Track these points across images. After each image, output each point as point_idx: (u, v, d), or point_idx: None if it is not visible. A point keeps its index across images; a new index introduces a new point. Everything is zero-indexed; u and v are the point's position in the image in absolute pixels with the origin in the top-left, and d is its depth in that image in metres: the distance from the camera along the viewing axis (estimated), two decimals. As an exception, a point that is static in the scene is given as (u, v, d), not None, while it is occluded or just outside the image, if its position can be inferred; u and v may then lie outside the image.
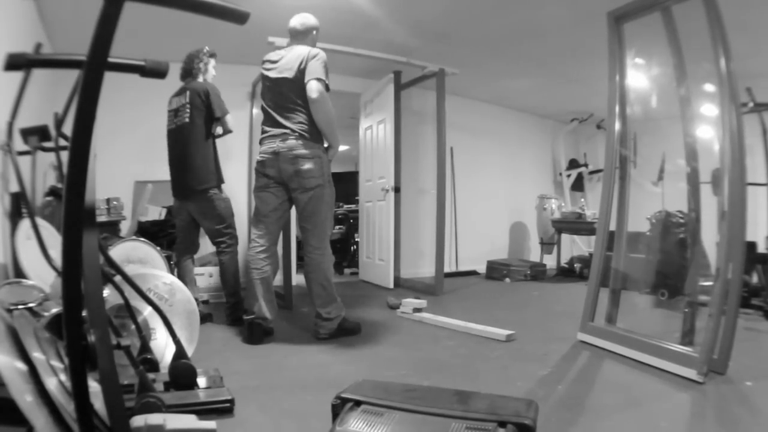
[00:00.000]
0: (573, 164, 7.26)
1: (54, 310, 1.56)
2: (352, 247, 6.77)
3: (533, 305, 4.22)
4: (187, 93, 3.18)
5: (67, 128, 1.30)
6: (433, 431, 1.13)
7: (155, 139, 4.61)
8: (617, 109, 2.83)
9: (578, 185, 7.24)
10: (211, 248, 4.29)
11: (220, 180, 3.28)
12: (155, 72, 1.04)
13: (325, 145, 2.91)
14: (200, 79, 3.27)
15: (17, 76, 2.08)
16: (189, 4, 0.79)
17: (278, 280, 4.12)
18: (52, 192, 3.10)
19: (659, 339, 2.43)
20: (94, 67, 0.76)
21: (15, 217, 2.50)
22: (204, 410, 1.66)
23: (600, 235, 2.86)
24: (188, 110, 3.16)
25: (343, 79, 5.24)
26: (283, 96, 2.82)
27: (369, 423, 1.16)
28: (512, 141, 6.82)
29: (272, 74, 2.87)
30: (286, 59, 2.84)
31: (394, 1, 3.63)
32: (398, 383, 1.44)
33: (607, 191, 2.85)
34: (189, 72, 3.27)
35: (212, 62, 3.35)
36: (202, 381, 1.88)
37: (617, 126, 2.83)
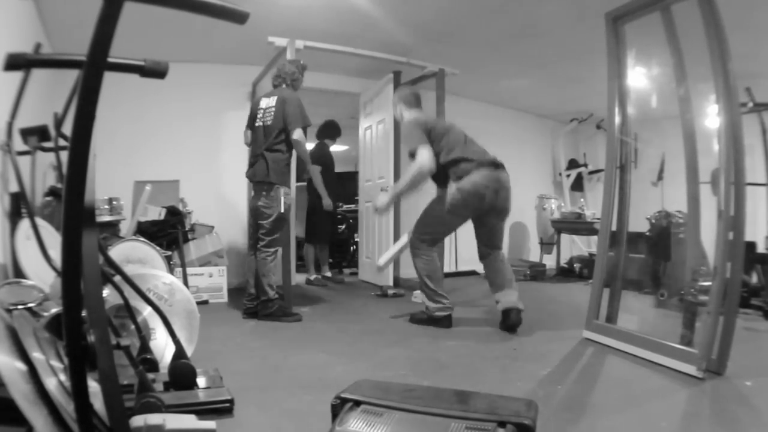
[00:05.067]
0: (572, 164, 7.25)
1: (54, 310, 1.56)
2: (351, 247, 6.77)
3: (533, 305, 4.21)
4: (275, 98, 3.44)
5: (67, 128, 1.30)
6: (433, 431, 1.13)
7: (155, 139, 4.64)
8: (617, 110, 2.83)
9: (578, 185, 7.23)
10: (211, 248, 4.29)
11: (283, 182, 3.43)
12: (155, 72, 1.03)
13: None
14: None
15: (17, 76, 2.08)
16: (189, 4, 0.79)
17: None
18: (52, 192, 3.09)
19: (659, 337, 2.44)
20: (94, 67, 0.76)
21: (15, 217, 2.49)
22: (204, 410, 1.66)
23: (603, 234, 2.88)
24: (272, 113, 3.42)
25: (342, 79, 5.24)
26: None
27: (369, 423, 1.16)
28: (512, 141, 6.80)
29: None
30: None
31: (393, 0, 3.63)
32: (398, 383, 1.44)
33: (609, 191, 2.86)
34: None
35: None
36: (202, 381, 1.87)
37: (617, 127, 2.83)
